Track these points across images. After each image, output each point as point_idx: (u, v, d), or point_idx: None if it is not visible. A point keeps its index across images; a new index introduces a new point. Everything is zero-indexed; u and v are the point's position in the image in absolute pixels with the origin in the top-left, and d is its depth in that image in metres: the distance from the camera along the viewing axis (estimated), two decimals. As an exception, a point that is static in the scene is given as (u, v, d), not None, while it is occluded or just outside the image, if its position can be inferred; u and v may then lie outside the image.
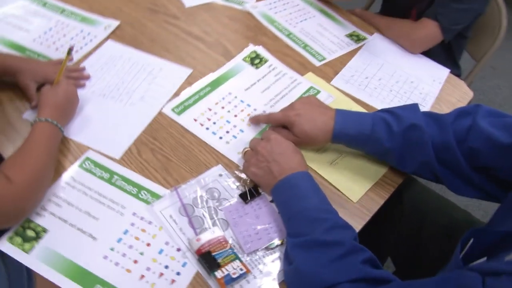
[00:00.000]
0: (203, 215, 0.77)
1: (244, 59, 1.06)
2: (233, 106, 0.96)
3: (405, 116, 0.80)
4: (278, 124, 0.87)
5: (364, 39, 1.18)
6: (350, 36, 1.18)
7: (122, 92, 0.95)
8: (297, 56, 1.09)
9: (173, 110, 0.93)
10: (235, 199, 0.79)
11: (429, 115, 0.80)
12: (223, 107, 0.95)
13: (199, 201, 0.78)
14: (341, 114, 0.83)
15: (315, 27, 1.19)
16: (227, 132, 0.90)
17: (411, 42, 1.15)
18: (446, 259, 0.65)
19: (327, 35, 1.17)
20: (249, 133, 0.91)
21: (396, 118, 0.81)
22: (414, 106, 0.82)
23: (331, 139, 0.83)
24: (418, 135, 0.78)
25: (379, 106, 1.00)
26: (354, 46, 1.15)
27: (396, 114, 0.81)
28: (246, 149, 0.83)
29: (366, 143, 0.83)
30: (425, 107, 1.03)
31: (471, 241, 0.61)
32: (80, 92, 0.93)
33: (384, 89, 1.05)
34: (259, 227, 0.76)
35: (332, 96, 1.01)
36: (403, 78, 1.09)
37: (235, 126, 0.92)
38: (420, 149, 0.79)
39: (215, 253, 0.70)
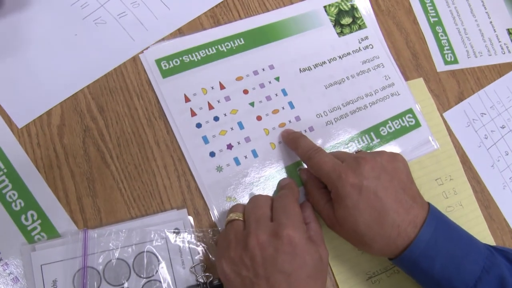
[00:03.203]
0: (109, 305, 0.43)
1: (327, 9, 0.59)
2: (264, 95, 0.53)
3: None
4: (319, 176, 0.47)
5: (537, 48, 0.68)
6: (517, 33, 0.68)
7: (94, -11, 0.53)
8: (417, 38, 0.62)
9: (158, 62, 0.51)
10: (177, 292, 0.44)
11: None
12: (246, 91, 0.53)
13: (115, 270, 0.43)
14: (436, 226, 0.42)
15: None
16: (229, 147, 0.50)
17: None
18: None
19: (480, 18, 0.67)
20: (265, 166, 0.51)
21: None
22: None
23: (391, 257, 0.44)
24: None
25: (495, 194, 0.58)
26: (514, 56, 0.66)
27: None
28: (235, 216, 0.44)
29: None
30: None
31: None
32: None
33: (520, 161, 0.61)
34: None
35: (435, 143, 0.57)
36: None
37: (247, 140, 0.51)
38: None
39: None
